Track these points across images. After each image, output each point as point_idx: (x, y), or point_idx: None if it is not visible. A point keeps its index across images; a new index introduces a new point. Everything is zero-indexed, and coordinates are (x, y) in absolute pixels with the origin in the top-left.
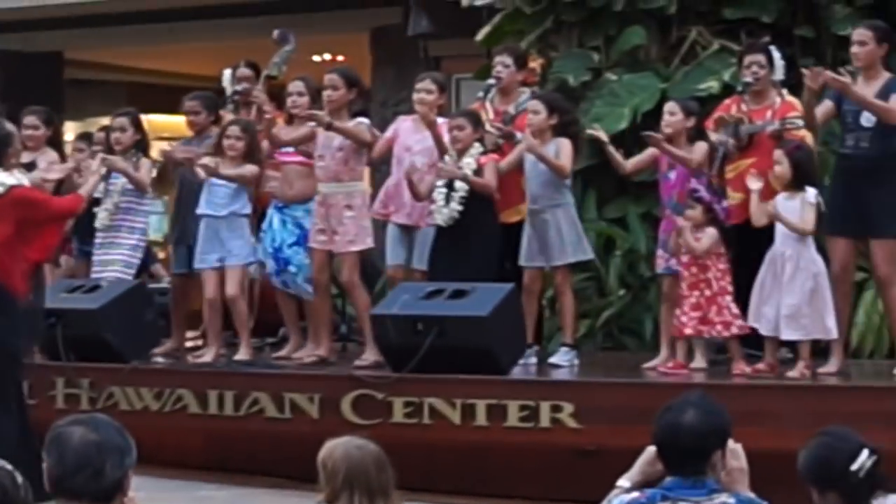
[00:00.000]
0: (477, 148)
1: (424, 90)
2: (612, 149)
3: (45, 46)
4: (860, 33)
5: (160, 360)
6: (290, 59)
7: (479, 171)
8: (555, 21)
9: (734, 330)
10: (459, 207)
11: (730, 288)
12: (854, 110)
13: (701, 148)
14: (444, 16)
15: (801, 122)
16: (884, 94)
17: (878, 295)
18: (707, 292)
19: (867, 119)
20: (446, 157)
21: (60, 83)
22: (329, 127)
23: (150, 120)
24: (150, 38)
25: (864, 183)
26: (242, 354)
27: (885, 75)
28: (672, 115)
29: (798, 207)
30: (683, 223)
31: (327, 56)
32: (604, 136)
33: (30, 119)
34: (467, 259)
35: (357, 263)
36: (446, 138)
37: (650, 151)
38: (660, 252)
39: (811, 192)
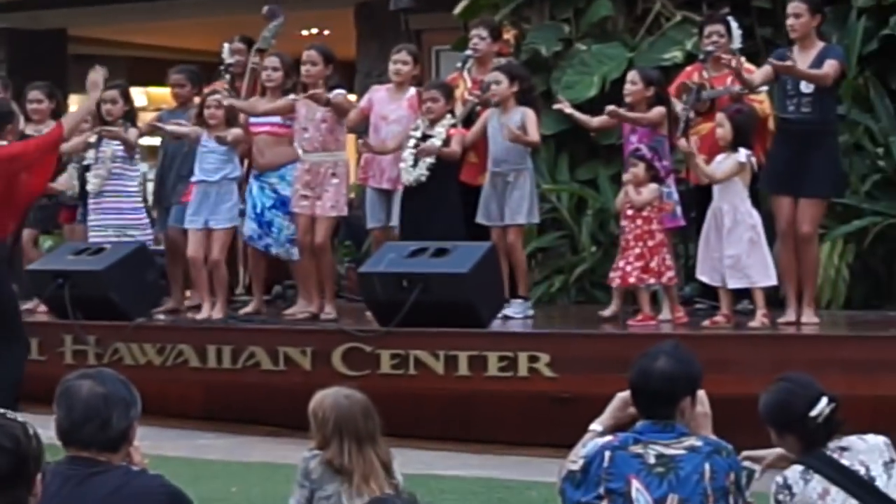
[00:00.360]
0: (448, 119)
1: (401, 61)
2: (576, 113)
3: (51, 24)
4: (795, 6)
5: (161, 317)
6: (279, 33)
7: (447, 141)
8: None
9: (665, 280)
10: (426, 172)
11: (666, 241)
12: (792, 78)
13: (657, 111)
14: None
15: (764, 89)
16: (819, 60)
17: (801, 248)
18: (650, 243)
19: (807, 85)
20: (418, 122)
21: (65, 58)
22: (327, 103)
23: (148, 91)
24: (148, 14)
25: (803, 146)
26: (217, 313)
27: (819, 44)
28: (633, 84)
29: (731, 167)
30: (626, 178)
31: (314, 30)
32: (567, 107)
33: (34, 94)
34: (436, 219)
35: (332, 227)
36: (412, 106)
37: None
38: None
39: (742, 153)
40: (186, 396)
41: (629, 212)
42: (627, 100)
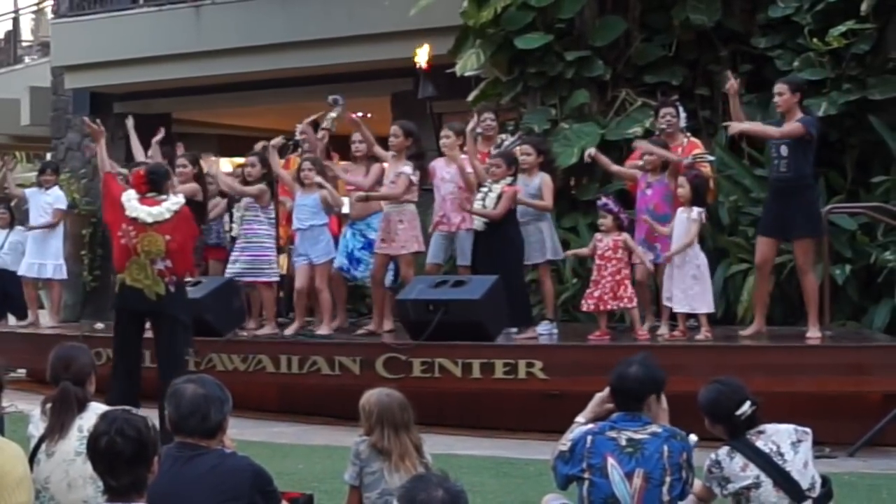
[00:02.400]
0: (507, 179)
1: (445, 136)
2: (603, 157)
3: (159, 109)
4: (779, 87)
5: (244, 334)
6: (340, 116)
7: (500, 196)
8: (524, 86)
9: (628, 304)
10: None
11: (630, 276)
12: (776, 144)
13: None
14: (444, 83)
15: (710, 157)
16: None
17: (800, 279)
18: (617, 277)
19: (784, 150)
20: (488, 182)
21: (170, 136)
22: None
23: (234, 161)
24: (235, 101)
25: (785, 198)
26: (324, 330)
27: (800, 115)
28: (651, 155)
29: (686, 220)
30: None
31: (360, 113)
32: (594, 152)
33: (181, 160)
34: (499, 256)
35: (412, 263)
36: (467, 168)
37: (631, 173)
38: (641, 249)
39: (696, 210)
40: (264, 395)
41: (603, 252)
42: (648, 167)
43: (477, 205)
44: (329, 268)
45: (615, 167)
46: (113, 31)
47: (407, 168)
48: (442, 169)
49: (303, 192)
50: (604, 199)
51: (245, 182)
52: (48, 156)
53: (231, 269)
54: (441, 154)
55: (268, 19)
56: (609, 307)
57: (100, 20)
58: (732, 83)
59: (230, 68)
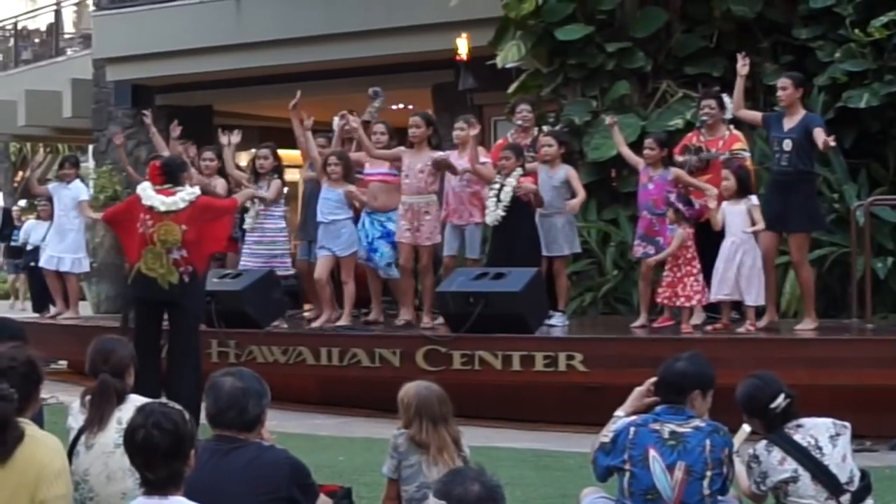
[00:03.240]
0: (518, 171)
1: (459, 128)
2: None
3: (200, 101)
4: (782, 82)
5: (284, 326)
6: (380, 108)
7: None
8: (564, 78)
9: (693, 302)
10: (503, 213)
11: (694, 271)
12: (779, 137)
13: (676, 171)
14: (484, 74)
15: (745, 154)
16: (802, 125)
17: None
18: (678, 273)
19: (787, 144)
20: (497, 177)
21: (211, 128)
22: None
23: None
24: (275, 93)
25: (785, 192)
26: (344, 321)
27: (802, 112)
28: (651, 149)
29: (744, 210)
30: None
31: (401, 105)
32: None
33: (207, 154)
34: (517, 249)
35: (433, 253)
36: (481, 158)
37: (635, 160)
38: (637, 242)
39: (754, 198)
40: (304, 387)
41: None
42: (648, 161)
43: (491, 200)
44: (354, 260)
45: (624, 148)
46: (154, 24)
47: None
48: (454, 160)
49: (328, 186)
50: (651, 190)
51: (256, 173)
52: (90, 148)
53: (245, 264)
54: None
55: (308, 11)
56: (672, 303)
57: (141, 12)
58: (742, 64)
59: (270, 60)
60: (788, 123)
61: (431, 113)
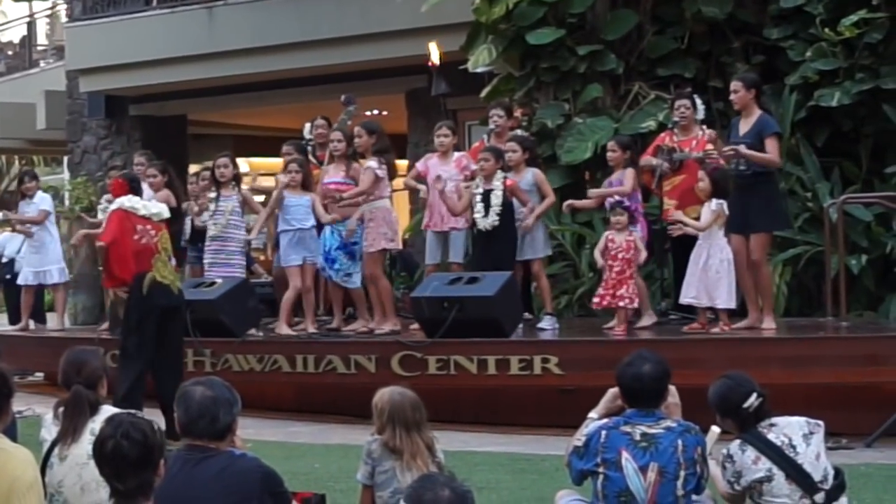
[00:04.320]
0: (501, 174)
1: (443, 135)
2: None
3: (174, 111)
4: (734, 84)
5: (259, 334)
6: (353, 116)
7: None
8: (536, 81)
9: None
10: (497, 219)
11: (633, 274)
12: (736, 141)
13: (630, 174)
14: (457, 79)
15: (714, 154)
16: (756, 127)
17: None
18: (623, 275)
19: (744, 149)
20: (476, 181)
21: (185, 138)
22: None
23: (250, 161)
24: (249, 102)
25: (744, 194)
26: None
27: (757, 112)
28: (613, 151)
29: (707, 212)
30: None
31: (376, 111)
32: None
33: (151, 171)
34: (504, 255)
35: (378, 260)
36: (471, 166)
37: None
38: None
39: (714, 202)
40: (280, 394)
41: (619, 254)
42: (610, 163)
43: (479, 206)
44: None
45: (587, 203)
46: (127, 34)
47: (372, 162)
48: (436, 167)
49: (291, 193)
50: (618, 198)
51: (216, 181)
52: (65, 160)
53: (208, 273)
54: (431, 151)
55: (280, 19)
56: (611, 305)
57: (114, 23)
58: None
59: (244, 69)
60: (744, 127)
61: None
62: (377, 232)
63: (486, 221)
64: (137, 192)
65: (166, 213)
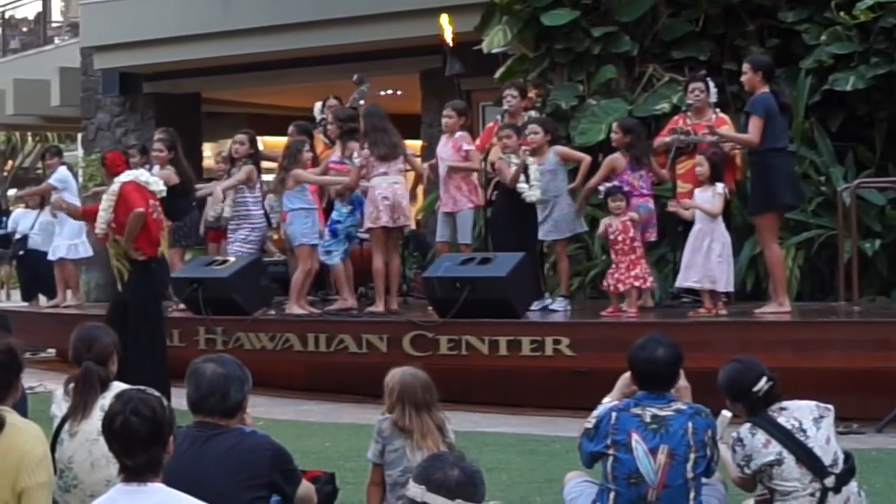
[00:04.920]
0: (523, 149)
1: (447, 115)
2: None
3: (188, 89)
4: (743, 66)
5: (271, 312)
6: (365, 95)
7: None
8: (550, 62)
9: (647, 284)
10: (539, 192)
11: (640, 255)
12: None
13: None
14: (471, 60)
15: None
16: (747, 108)
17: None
18: (632, 256)
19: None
20: (511, 157)
21: (199, 115)
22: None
23: (265, 140)
24: (264, 80)
25: (751, 175)
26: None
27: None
28: (615, 133)
29: (709, 197)
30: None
31: (390, 91)
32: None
33: (157, 145)
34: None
35: (376, 239)
36: (464, 146)
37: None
38: None
39: (719, 186)
40: (292, 373)
41: (619, 236)
42: (615, 146)
43: (521, 185)
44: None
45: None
46: (142, 11)
47: (354, 153)
48: (441, 149)
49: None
50: (615, 182)
51: (232, 159)
52: (79, 136)
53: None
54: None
55: None
56: (626, 288)
57: (129, 0)
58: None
59: (258, 47)
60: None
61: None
62: (367, 212)
63: (535, 194)
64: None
65: (164, 192)
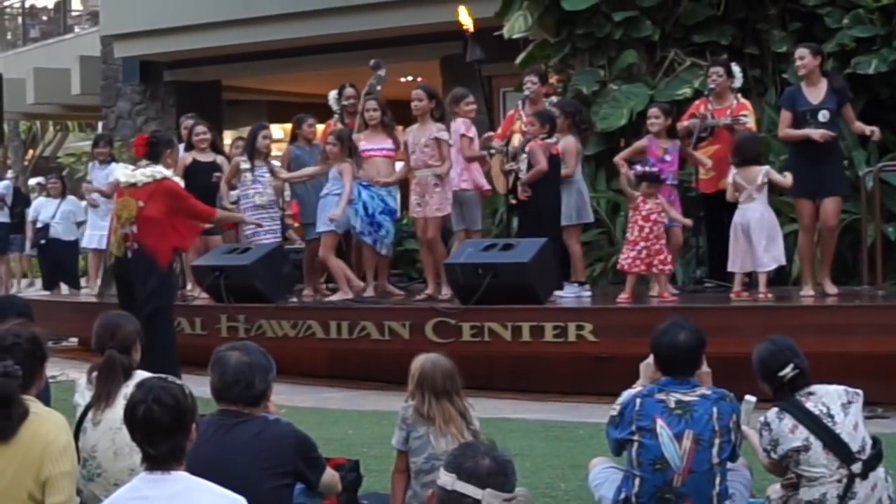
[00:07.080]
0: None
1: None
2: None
3: (208, 77)
4: (800, 52)
5: (294, 300)
6: (383, 81)
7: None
8: (572, 48)
9: (665, 269)
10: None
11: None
12: (812, 109)
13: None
14: (492, 46)
15: (747, 120)
16: (828, 95)
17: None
18: (658, 243)
19: (823, 115)
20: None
21: (220, 103)
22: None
23: (284, 127)
24: (283, 68)
25: (817, 160)
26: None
27: (823, 80)
28: (657, 118)
29: (757, 180)
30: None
31: (409, 78)
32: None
33: (200, 128)
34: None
35: (440, 225)
36: (464, 129)
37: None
38: None
39: (765, 168)
40: (314, 360)
41: (652, 215)
42: (653, 130)
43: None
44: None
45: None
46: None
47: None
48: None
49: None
50: (638, 168)
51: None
52: (99, 125)
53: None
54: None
55: None
56: (643, 271)
57: None
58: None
59: (278, 34)
60: (816, 94)
61: (433, 86)
62: (442, 197)
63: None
64: (155, 153)
65: (140, 180)
